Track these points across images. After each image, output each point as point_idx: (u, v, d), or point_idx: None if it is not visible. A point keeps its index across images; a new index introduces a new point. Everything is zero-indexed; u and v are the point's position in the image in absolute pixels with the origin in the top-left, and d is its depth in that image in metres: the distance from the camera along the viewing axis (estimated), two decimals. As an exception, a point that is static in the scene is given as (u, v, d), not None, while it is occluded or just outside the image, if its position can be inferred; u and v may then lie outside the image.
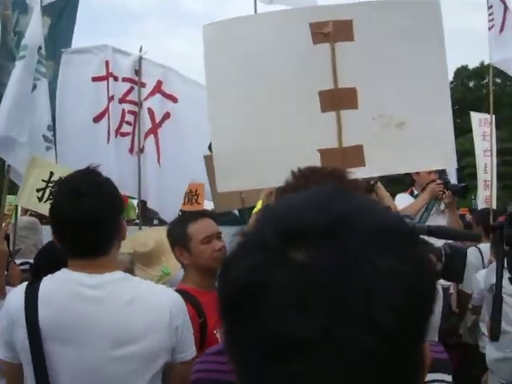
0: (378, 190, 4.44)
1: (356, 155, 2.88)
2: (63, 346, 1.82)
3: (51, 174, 3.95)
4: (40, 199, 4.00)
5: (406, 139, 2.94)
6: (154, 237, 3.29)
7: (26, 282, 1.93)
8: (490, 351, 4.07)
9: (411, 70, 3.00)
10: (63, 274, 1.90)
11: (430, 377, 1.24)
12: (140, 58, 4.59)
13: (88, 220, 1.85)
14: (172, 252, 2.67)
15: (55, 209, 1.92)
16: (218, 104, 3.02)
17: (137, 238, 3.24)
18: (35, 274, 2.99)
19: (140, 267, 3.12)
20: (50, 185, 3.87)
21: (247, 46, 3.02)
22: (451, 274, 2.08)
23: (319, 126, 2.92)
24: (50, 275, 1.92)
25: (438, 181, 4.82)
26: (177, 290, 2.28)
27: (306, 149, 2.85)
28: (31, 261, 3.76)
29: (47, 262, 3.22)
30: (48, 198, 3.85)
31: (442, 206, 4.99)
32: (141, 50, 4.66)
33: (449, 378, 1.28)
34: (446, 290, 4.70)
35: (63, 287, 1.88)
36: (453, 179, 8.80)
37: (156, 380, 1.90)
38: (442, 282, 4.55)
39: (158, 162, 4.62)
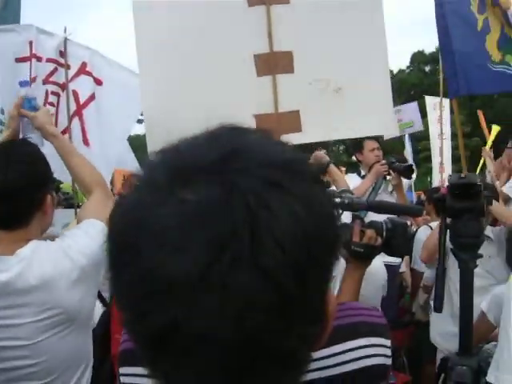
0: (330, 171, 4.46)
1: (292, 121, 2.86)
2: None
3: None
4: None
5: (343, 105, 2.92)
6: None
7: None
8: (434, 325, 4.13)
9: (348, 35, 2.96)
10: None
11: (371, 341, 1.22)
12: (65, 40, 4.48)
13: (3, 191, 1.80)
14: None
15: None
16: (150, 68, 2.92)
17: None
18: None
19: None
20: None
21: (181, 9, 2.92)
22: (392, 249, 2.08)
23: (255, 91, 2.87)
24: None
25: (383, 161, 4.88)
26: None
27: (242, 114, 2.77)
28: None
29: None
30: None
31: (391, 188, 5.04)
32: (65, 30, 4.55)
33: (387, 342, 1.27)
34: (394, 267, 4.73)
35: None
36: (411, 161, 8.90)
37: None
38: (390, 259, 4.62)
39: (85, 144, 4.54)
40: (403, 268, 5.76)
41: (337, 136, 3.30)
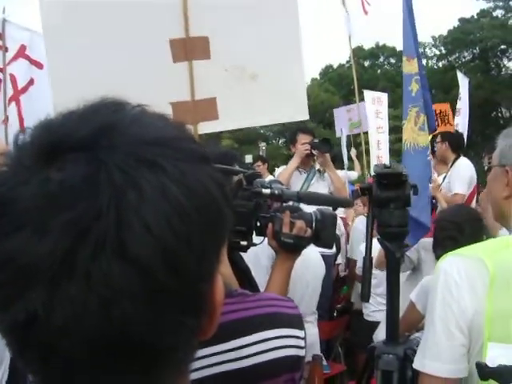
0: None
1: (209, 108, 2.83)
2: None
3: None
4: None
5: (259, 91, 2.92)
6: None
7: None
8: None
9: (263, 21, 2.95)
10: None
11: (282, 332, 1.21)
12: (3, 21, 4.30)
13: None
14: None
15: None
16: (59, 57, 2.82)
17: None
18: None
19: None
20: None
21: None
22: (321, 240, 2.08)
23: (171, 78, 2.82)
24: None
25: (306, 145, 4.98)
26: None
27: (158, 101, 2.74)
28: None
29: None
30: None
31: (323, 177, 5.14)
32: (4, 11, 4.36)
33: (301, 333, 1.26)
34: (329, 257, 4.79)
35: None
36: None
37: None
38: (325, 250, 4.67)
39: (22, 131, 4.39)
40: (339, 260, 5.84)
41: (253, 123, 3.32)
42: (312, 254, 3.80)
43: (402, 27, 4.22)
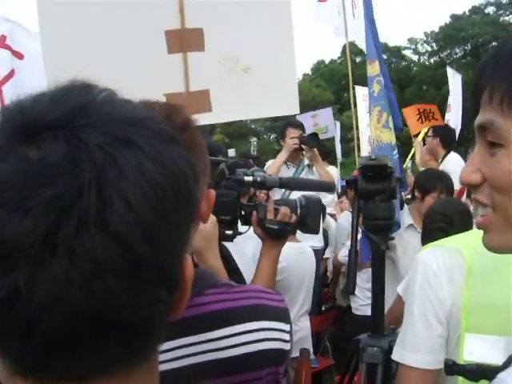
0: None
1: (202, 100, 2.83)
2: None
3: None
4: None
5: (251, 85, 2.93)
6: None
7: None
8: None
9: (256, 15, 2.95)
10: None
11: (269, 325, 1.20)
12: None
13: None
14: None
15: None
16: (53, 46, 2.81)
17: None
18: None
19: None
20: None
21: None
22: (307, 226, 2.07)
23: (165, 69, 2.82)
24: None
25: (295, 139, 5.00)
26: None
27: (153, 92, 2.74)
28: None
29: None
30: None
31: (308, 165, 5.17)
32: None
33: (287, 327, 1.25)
34: (318, 251, 4.80)
35: None
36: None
37: None
38: (314, 243, 4.69)
39: None
40: (327, 254, 5.85)
41: (245, 116, 3.33)
42: (306, 247, 3.82)
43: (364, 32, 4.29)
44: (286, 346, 1.22)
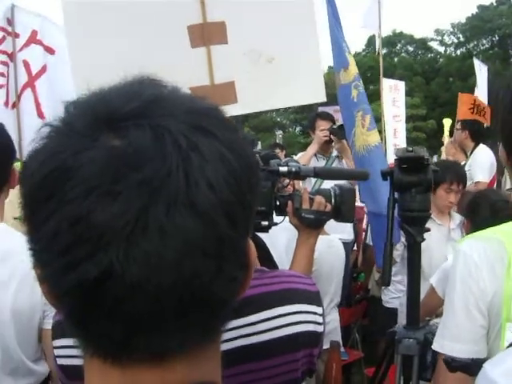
0: None
1: (228, 92, 2.85)
2: None
3: None
4: None
5: (276, 74, 2.94)
6: None
7: None
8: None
9: (279, 5, 2.96)
10: None
11: (302, 308, 1.22)
12: (12, 6, 4.26)
13: None
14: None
15: None
16: (80, 41, 2.85)
17: None
18: None
19: None
20: None
21: None
22: (341, 215, 2.08)
23: (190, 63, 2.84)
24: None
25: (325, 131, 4.97)
26: None
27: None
28: None
29: None
30: None
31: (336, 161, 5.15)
32: None
33: (319, 309, 1.26)
34: (348, 244, 4.79)
35: None
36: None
37: (31, 342, 1.87)
38: (344, 236, 4.68)
39: (40, 116, 4.36)
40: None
41: (270, 106, 3.35)
42: (335, 240, 3.82)
43: (330, 41, 4.09)
44: (320, 329, 1.24)
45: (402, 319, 3.85)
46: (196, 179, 0.54)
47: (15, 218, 2.95)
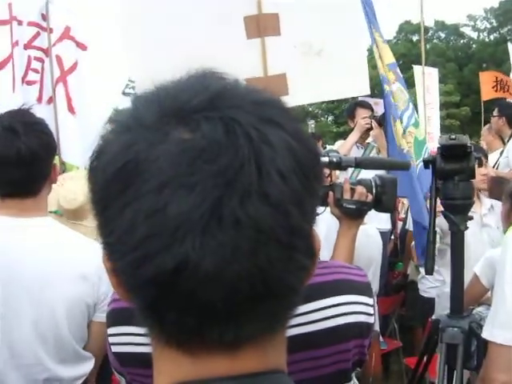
0: None
1: (280, 84, 2.87)
2: None
3: None
4: None
5: (324, 67, 2.96)
6: (81, 189, 2.96)
7: None
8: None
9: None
10: None
11: (351, 298, 1.22)
12: (47, 2, 4.31)
13: (21, 158, 1.78)
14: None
15: None
16: (136, 33, 2.90)
17: (63, 194, 2.98)
18: None
19: (72, 223, 2.91)
20: None
21: None
22: (382, 205, 2.07)
23: (244, 54, 2.86)
24: None
25: (367, 119, 4.93)
26: None
27: None
28: None
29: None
30: None
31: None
32: None
33: (370, 300, 1.27)
34: (386, 233, 4.76)
35: None
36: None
37: (81, 333, 1.91)
38: (381, 226, 4.65)
39: (71, 111, 4.42)
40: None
41: (319, 98, 3.37)
42: (372, 230, 3.80)
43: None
44: (370, 320, 1.24)
45: (439, 309, 3.84)
46: (268, 170, 0.54)
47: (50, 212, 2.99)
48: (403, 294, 5.46)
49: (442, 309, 3.57)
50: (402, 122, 3.86)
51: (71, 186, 2.98)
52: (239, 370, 0.59)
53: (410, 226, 5.42)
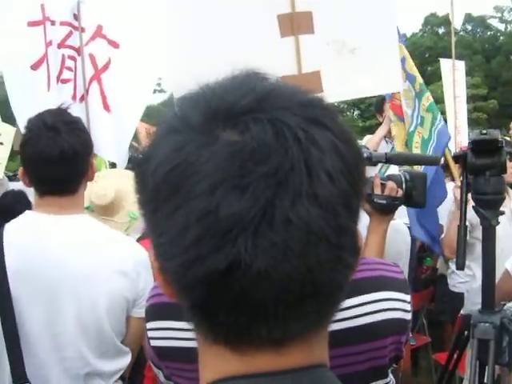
0: None
1: (314, 81, 2.86)
2: (29, 289, 1.81)
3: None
4: None
5: (357, 65, 2.96)
6: (112, 186, 3.11)
7: None
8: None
9: None
10: (27, 216, 1.90)
11: (390, 295, 1.22)
12: (79, 2, 4.34)
13: (64, 157, 1.83)
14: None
15: (29, 145, 1.88)
16: (176, 30, 2.94)
17: (95, 190, 3.03)
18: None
19: (103, 218, 2.94)
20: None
21: None
22: (412, 200, 2.08)
23: (279, 52, 2.87)
24: (14, 220, 1.90)
25: None
26: None
27: None
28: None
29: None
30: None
31: None
32: None
33: (407, 297, 1.27)
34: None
35: (28, 230, 1.87)
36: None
37: (121, 327, 1.95)
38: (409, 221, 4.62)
39: (106, 108, 4.45)
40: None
41: (352, 96, 3.36)
42: (401, 225, 3.79)
43: None
44: (408, 316, 1.24)
45: (469, 304, 3.81)
46: (317, 171, 0.55)
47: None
48: (432, 289, 5.42)
49: (472, 304, 3.56)
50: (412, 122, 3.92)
51: (103, 183, 3.03)
52: (286, 365, 0.60)
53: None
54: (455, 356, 2.44)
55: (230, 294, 0.56)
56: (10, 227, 1.88)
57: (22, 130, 2.06)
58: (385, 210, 2.02)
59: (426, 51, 39.29)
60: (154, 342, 1.22)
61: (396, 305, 1.21)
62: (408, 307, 1.24)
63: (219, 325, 0.59)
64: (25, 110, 3.92)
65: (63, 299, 1.84)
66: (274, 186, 0.54)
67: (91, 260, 1.87)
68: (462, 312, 3.91)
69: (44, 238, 1.86)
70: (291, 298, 0.56)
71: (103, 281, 1.88)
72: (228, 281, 0.55)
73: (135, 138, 5.35)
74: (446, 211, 4.34)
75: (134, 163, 0.65)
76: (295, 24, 2.87)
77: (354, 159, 0.60)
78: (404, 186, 2.05)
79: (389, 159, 2.09)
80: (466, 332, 2.29)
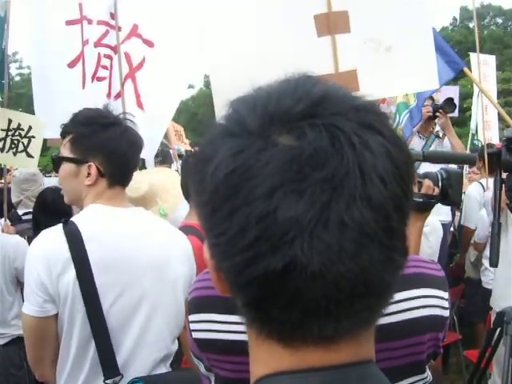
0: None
1: (351, 80, 2.88)
2: (112, 280, 1.88)
3: (9, 121, 3.82)
4: (1, 150, 3.82)
5: (393, 63, 2.98)
6: (146, 179, 3.16)
7: (60, 224, 1.92)
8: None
9: None
10: (99, 208, 1.97)
11: (428, 292, 1.24)
12: (115, 1, 4.38)
13: (130, 151, 2.00)
14: (168, 192, 2.68)
15: (106, 142, 1.98)
16: (214, 31, 2.99)
17: (130, 183, 3.12)
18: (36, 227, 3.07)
19: None
20: (9, 133, 3.80)
21: None
22: (448, 198, 2.08)
23: (316, 52, 2.90)
24: (82, 213, 1.98)
25: (428, 107, 4.87)
26: (182, 227, 2.34)
27: None
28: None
29: (44, 212, 3.23)
30: (10, 148, 3.79)
31: (441, 133, 5.03)
32: None
33: (445, 294, 1.28)
34: (446, 225, 4.72)
35: (102, 223, 1.95)
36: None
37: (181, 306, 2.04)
38: (442, 217, 4.61)
39: (139, 106, 4.50)
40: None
41: (388, 94, 3.37)
42: (434, 222, 3.78)
43: None
44: (445, 313, 1.25)
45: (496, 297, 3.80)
46: (370, 176, 0.57)
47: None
48: (462, 285, 5.39)
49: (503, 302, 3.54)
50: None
51: (137, 176, 3.08)
52: (335, 361, 0.63)
53: (465, 221, 5.36)
54: (487, 354, 2.44)
55: (285, 292, 0.58)
56: (82, 222, 1.92)
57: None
58: (421, 208, 2.03)
59: (455, 45, 38.80)
60: (195, 334, 1.25)
61: (435, 302, 1.23)
62: (446, 304, 1.26)
63: (273, 322, 0.62)
64: (52, 106, 4.01)
65: (144, 285, 1.92)
66: (329, 190, 0.56)
67: (163, 247, 1.99)
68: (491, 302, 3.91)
69: (118, 228, 1.94)
70: (343, 297, 0.58)
71: (179, 265, 2.01)
72: (283, 280, 0.57)
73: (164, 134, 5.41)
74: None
75: (190, 163, 0.67)
76: (332, 23, 2.89)
77: (405, 163, 0.61)
78: (440, 184, 2.05)
79: (426, 157, 2.09)
80: (498, 329, 2.29)
